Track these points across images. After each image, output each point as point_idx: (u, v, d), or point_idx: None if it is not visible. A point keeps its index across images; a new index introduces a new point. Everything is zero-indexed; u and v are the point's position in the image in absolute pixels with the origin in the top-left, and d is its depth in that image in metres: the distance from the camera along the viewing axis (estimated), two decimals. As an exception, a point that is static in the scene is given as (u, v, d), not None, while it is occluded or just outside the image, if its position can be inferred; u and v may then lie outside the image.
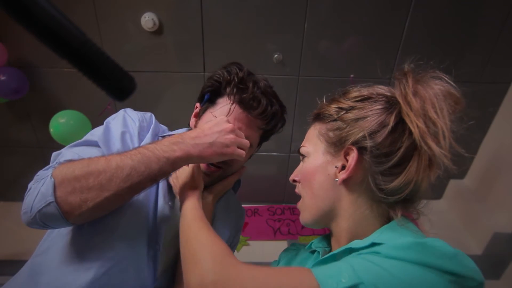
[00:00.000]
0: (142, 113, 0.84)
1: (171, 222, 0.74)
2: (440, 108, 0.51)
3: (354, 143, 0.56)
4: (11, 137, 2.00)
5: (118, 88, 0.37)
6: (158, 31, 1.67)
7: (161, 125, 0.89)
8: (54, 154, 0.72)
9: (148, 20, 1.61)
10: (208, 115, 0.80)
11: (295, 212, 2.22)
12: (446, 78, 0.54)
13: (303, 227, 2.10)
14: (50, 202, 0.57)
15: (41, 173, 0.64)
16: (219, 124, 0.68)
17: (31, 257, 0.70)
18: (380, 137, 0.54)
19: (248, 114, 0.77)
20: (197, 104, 0.84)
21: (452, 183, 2.21)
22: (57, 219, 0.58)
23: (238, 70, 0.79)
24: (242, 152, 0.69)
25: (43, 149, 2.02)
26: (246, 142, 0.70)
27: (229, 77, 0.78)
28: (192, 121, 0.85)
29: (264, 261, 1.83)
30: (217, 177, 0.81)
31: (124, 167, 0.59)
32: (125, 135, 0.76)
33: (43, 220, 0.59)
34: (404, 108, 0.53)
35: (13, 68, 1.68)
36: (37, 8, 0.30)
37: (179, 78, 1.83)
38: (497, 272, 1.81)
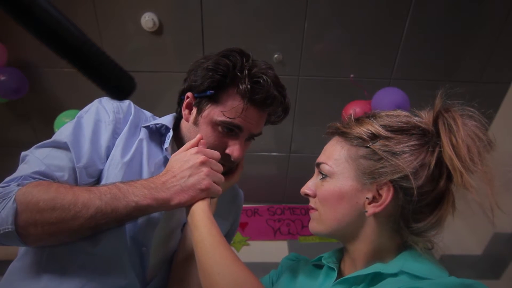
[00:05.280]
0: (118, 102, 0.78)
1: (161, 224, 0.72)
2: (484, 158, 0.52)
3: (392, 181, 0.54)
4: (11, 137, 2.00)
5: (118, 88, 0.37)
6: (158, 31, 1.67)
7: (145, 111, 0.84)
8: (22, 154, 0.69)
9: (148, 20, 1.61)
10: (213, 112, 0.71)
11: (295, 212, 2.22)
12: (481, 119, 0.54)
13: (303, 227, 2.11)
14: (9, 231, 0.55)
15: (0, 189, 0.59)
16: (188, 160, 0.64)
17: (12, 262, 0.68)
18: (420, 179, 0.53)
19: (261, 111, 0.72)
20: (189, 94, 0.74)
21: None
22: (15, 243, 0.58)
23: (243, 60, 0.71)
24: (219, 188, 0.65)
25: (43, 149, 2.02)
26: (220, 177, 0.67)
27: (237, 74, 0.69)
28: (186, 113, 0.76)
29: (264, 261, 1.83)
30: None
31: (90, 207, 0.57)
32: (96, 132, 0.70)
33: (0, 242, 0.58)
34: (449, 152, 0.52)
35: (13, 68, 1.68)
36: (37, 8, 0.30)
37: (179, 78, 1.81)
38: (497, 272, 1.81)
